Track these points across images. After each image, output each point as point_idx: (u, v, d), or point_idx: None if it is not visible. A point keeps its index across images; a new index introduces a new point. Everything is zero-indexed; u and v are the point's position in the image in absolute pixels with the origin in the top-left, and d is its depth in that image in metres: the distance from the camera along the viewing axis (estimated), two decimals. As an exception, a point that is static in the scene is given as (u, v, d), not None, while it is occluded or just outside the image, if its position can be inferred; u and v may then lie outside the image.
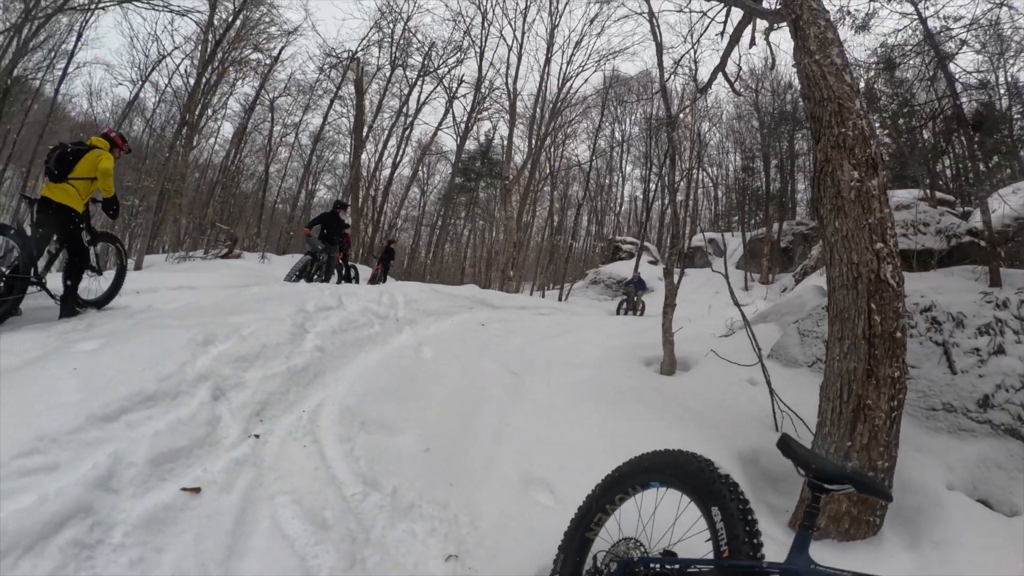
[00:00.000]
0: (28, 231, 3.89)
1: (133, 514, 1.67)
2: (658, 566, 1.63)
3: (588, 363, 6.46)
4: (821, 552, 2.66)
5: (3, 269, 3.66)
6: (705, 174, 26.57)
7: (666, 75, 8.00)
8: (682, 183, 20.61)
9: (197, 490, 1.89)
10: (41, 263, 4.00)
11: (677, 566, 1.59)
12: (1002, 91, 12.47)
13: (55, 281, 4.16)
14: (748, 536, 1.43)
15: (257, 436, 2.39)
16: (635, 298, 14.87)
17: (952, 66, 8.05)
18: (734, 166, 25.72)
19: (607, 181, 29.03)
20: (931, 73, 8.48)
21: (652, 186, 22.88)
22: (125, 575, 1.50)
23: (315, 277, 8.82)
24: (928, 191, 9.35)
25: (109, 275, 4.71)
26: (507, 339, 7.15)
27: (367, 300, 5.94)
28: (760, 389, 5.21)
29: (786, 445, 1.60)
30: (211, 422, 2.28)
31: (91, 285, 4.48)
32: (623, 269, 21.50)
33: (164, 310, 4.45)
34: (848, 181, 3.33)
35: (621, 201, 30.94)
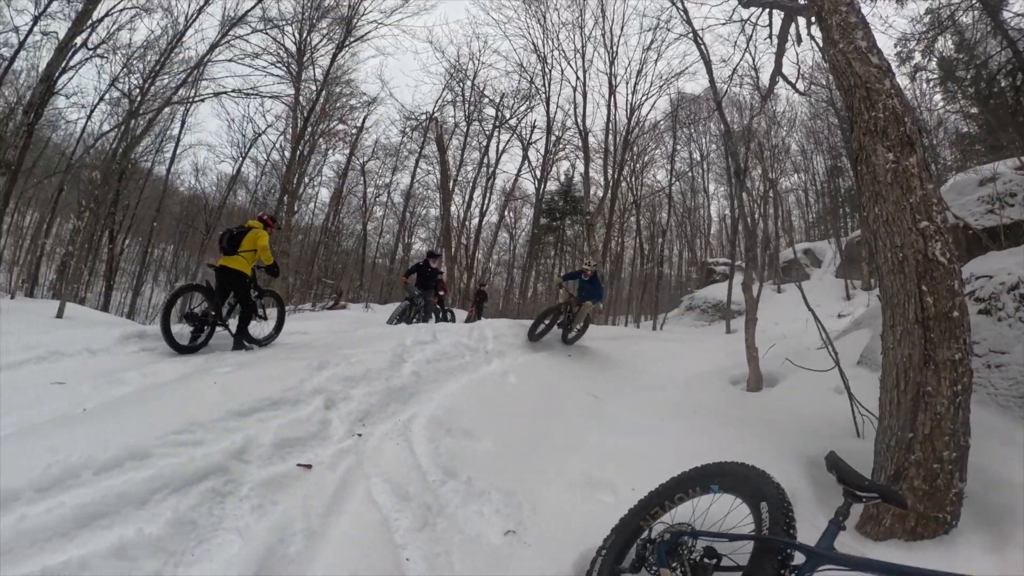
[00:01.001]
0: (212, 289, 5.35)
1: (258, 477, 2.27)
2: (708, 538, 1.88)
3: (673, 385, 6.51)
4: (886, 552, 2.62)
5: (199, 313, 5.23)
6: (795, 180, 25.26)
7: (726, 86, 8.07)
8: (769, 193, 19.79)
9: (309, 466, 2.45)
10: (224, 311, 5.41)
11: (726, 539, 1.83)
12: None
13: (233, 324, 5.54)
14: (786, 523, 1.72)
15: (359, 435, 2.93)
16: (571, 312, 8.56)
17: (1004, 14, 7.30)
18: (823, 168, 24.11)
19: (692, 203, 28.47)
20: (987, 28, 7.74)
21: (737, 202, 22.08)
22: (246, 516, 2.05)
23: (414, 319, 9.65)
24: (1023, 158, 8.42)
25: (272, 322, 6.09)
26: (593, 368, 7.36)
27: (459, 335, 6.50)
28: (843, 398, 4.93)
29: (831, 461, 1.93)
30: (323, 423, 2.85)
31: (261, 329, 5.88)
32: (718, 291, 20.76)
33: (283, 348, 5.36)
34: (883, 164, 3.21)
35: (709, 222, 30.05)
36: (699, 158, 25.97)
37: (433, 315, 10.54)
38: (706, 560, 1.80)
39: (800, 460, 3.73)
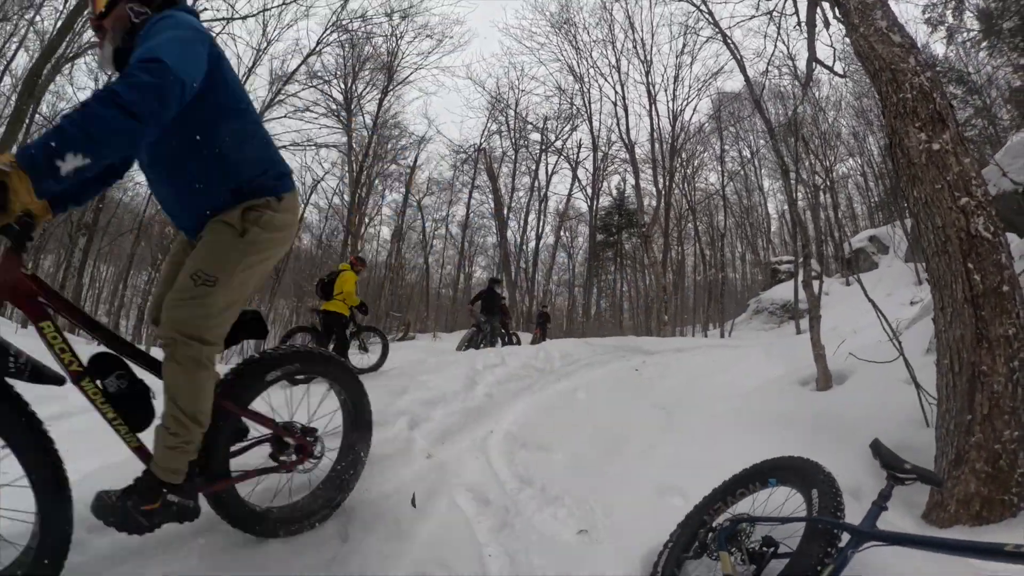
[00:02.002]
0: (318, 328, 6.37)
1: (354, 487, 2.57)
2: (762, 523, 2.05)
3: (742, 393, 6.46)
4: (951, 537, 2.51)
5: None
6: (852, 165, 23.88)
7: (764, 79, 8.03)
8: (826, 184, 18.92)
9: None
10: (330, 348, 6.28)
11: (777, 522, 2.00)
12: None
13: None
14: (834, 507, 1.88)
15: (431, 456, 3.25)
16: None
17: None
18: (877, 148, 22.58)
19: (748, 203, 27.66)
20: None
21: (787, 197, 21.14)
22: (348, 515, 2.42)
23: (482, 345, 10.07)
24: None
25: (374, 355, 6.99)
26: (660, 381, 7.40)
27: (526, 357, 6.81)
28: (914, 387, 4.89)
29: (875, 448, 2.12)
30: (408, 440, 3.23)
31: (363, 359, 6.77)
32: (784, 291, 19.96)
33: (364, 379, 5.90)
34: (916, 146, 3.14)
35: (768, 220, 29.00)
36: (749, 155, 25.30)
37: (500, 339, 10.93)
38: (764, 548, 1.95)
39: (867, 454, 3.69)
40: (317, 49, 17.18)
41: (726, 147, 23.67)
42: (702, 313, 25.32)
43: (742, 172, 25.48)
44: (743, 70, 7.79)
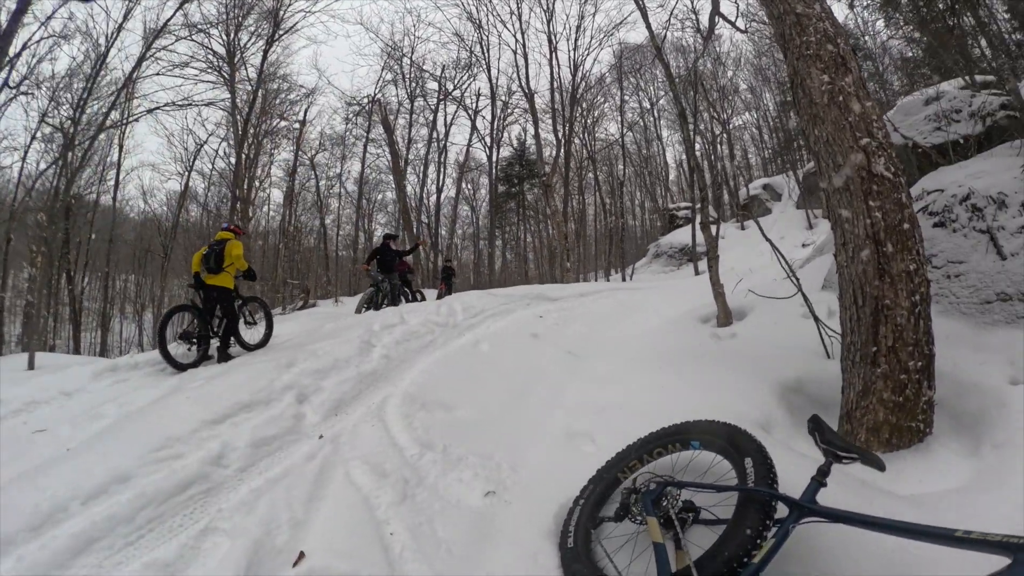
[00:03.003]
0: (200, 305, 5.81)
1: (238, 477, 2.31)
2: (694, 488, 1.94)
3: (647, 333, 6.61)
4: (863, 469, 2.55)
5: (192, 331, 5.62)
6: (748, 118, 25.58)
7: (665, 31, 8.00)
8: (723, 135, 19.98)
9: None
10: (215, 325, 5.79)
11: (712, 490, 1.90)
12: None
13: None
14: (770, 478, 1.79)
15: (323, 435, 2.95)
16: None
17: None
18: (773, 104, 24.43)
19: (647, 152, 28.60)
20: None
21: (687, 145, 22.18)
22: (233, 515, 2.13)
23: (383, 304, 9.59)
24: (969, 77, 8.70)
25: (261, 327, 6.44)
26: (566, 326, 7.39)
27: (427, 313, 6.49)
28: (812, 322, 5.01)
29: (813, 424, 1.93)
30: (296, 416, 2.89)
31: (251, 334, 6.26)
32: (683, 236, 21.12)
33: (252, 354, 5.40)
34: (818, 87, 3.23)
35: (666, 169, 30.31)
36: (648, 106, 25.95)
37: (403, 298, 10.50)
38: (684, 514, 1.88)
39: (774, 389, 3.86)
40: None
41: (626, 98, 24.07)
42: (604, 259, 26.19)
43: (641, 123, 26.17)
44: (646, 18, 7.60)
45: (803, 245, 14.55)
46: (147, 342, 22.04)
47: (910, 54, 19.70)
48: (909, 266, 2.90)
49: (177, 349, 5.42)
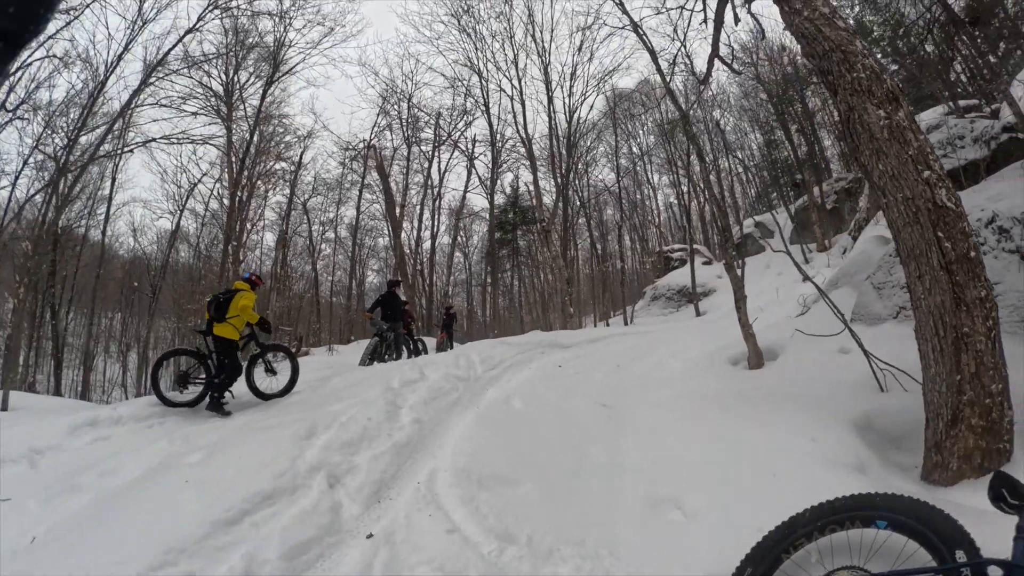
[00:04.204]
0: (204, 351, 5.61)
1: None
2: None
3: (676, 378, 6.20)
4: (964, 495, 2.62)
5: (188, 374, 5.49)
6: (734, 160, 26.01)
7: (670, 75, 7.95)
8: (711, 176, 20.17)
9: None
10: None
11: None
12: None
13: (240, 385, 5.59)
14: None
15: (373, 530, 2.34)
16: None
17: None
18: (757, 144, 24.91)
19: (638, 196, 28.83)
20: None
21: (684, 188, 22.42)
22: None
23: (387, 356, 9.00)
24: (951, 103, 8.85)
25: (283, 376, 5.98)
26: (588, 375, 6.99)
27: (446, 366, 6.01)
28: (854, 355, 4.93)
29: (1000, 479, 1.67)
30: (333, 508, 2.29)
31: (271, 384, 5.82)
32: (679, 277, 20.89)
33: (257, 411, 4.87)
34: (876, 122, 3.29)
35: (658, 212, 30.51)
36: (639, 152, 26.29)
37: (404, 348, 9.90)
38: None
39: (849, 428, 3.58)
40: (197, 27, 14.73)
41: (620, 143, 24.30)
42: (596, 305, 25.89)
43: (633, 168, 26.37)
44: (655, 58, 7.67)
45: (804, 280, 14.32)
46: (131, 384, 20.84)
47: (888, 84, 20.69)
48: (980, 292, 2.95)
49: (171, 393, 5.35)
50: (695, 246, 20.66)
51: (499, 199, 23.72)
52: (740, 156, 25.61)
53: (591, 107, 30.92)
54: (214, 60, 16.10)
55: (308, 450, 2.82)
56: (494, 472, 2.89)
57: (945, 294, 2.96)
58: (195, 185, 20.39)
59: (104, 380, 22.04)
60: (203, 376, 5.50)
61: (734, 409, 4.45)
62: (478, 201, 28.31)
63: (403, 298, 10.29)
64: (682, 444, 3.72)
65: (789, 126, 21.11)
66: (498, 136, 19.63)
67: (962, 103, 8.88)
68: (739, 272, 6.98)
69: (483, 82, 18.71)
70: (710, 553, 2.09)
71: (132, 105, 14.89)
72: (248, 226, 19.70)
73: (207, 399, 5.30)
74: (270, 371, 5.89)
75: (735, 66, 9.16)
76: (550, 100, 17.91)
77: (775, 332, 6.89)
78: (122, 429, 4.41)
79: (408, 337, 10.70)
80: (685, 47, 10.40)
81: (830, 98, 3.98)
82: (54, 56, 13.33)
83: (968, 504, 2.42)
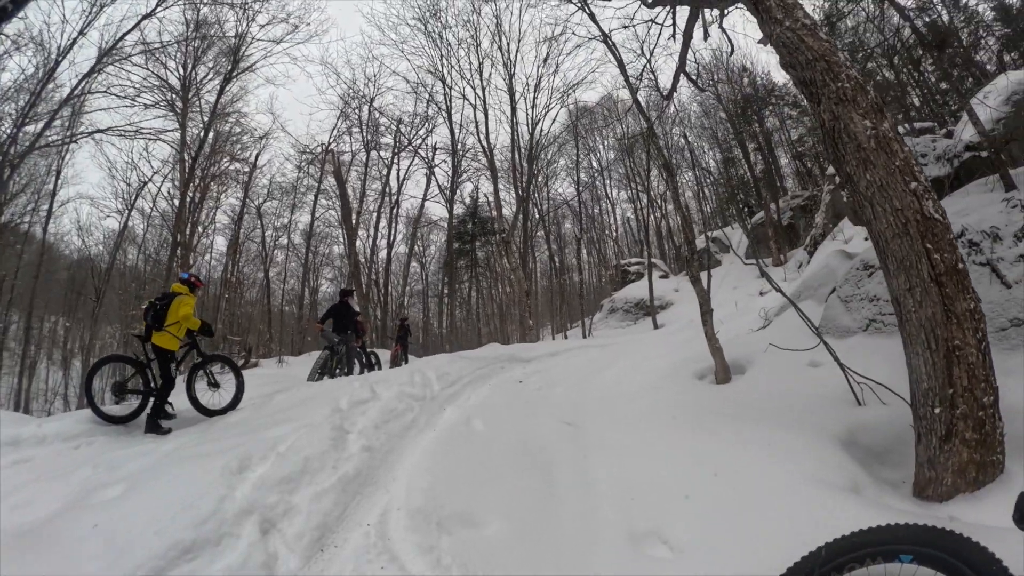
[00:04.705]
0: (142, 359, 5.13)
1: None
2: None
3: (641, 393, 6.03)
4: (960, 510, 2.60)
5: (124, 383, 5.17)
6: (693, 176, 26.66)
7: (633, 87, 7.98)
8: (668, 192, 20.53)
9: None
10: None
11: None
12: (939, 8, 12.58)
13: (179, 398, 5.19)
14: None
15: None
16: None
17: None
18: (715, 162, 25.69)
19: (596, 210, 29.10)
20: (878, 12, 8.56)
21: (644, 202, 22.72)
22: None
23: (337, 371, 8.47)
24: (909, 124, 9.28)
25: (226, 390, 5.42)
26: (550, 390, 6.78)
27: (399, 384, 5.62)
28: (825, 369, 4.90)
29: None
30: (267, 563, 1.92)
31: (214, 398, 5.32)
32: (637, 290, 21.06)
33: (187, 433, 4.39)
34: (863, 132, 3.29)
35: (616, 226, 30.85)
36: (598, 166, 26.54)
37: (356, 362, 9.36)
38: None
39: (833, 445, 3.51)
40: (156, 12, 13.71)
41: (581, 157, 24.40)
42: (554, 316, 25.82)
43: (593, 182, 26.56)
44: (623, 69, 7.69)
45: (760, 293, 14.59)
46: (72, 394, 19.20)
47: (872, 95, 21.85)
48: (969, 304, 2.93)
49: (107, 404, 5.04)
50: (652, 260, 20.92)
51: (458, 209, 23.39)
52: (697, 173, 26.25)
53: (554, 120, 31.14)
54: (171, 51, 15.21)
55: (239, 487, 2.39)
56: (456, 511, 2.56)
57: (936, 306, 2.92)
58: (145, 183, 19.07)
59: (46, 389, 20.34)
60: (141, 387, 5.08)
61: (707, 426, 4.32)
62: (436, 210, 27.92)
63: (356, 308, 9.76)
64: (655, 465, 3.52)
65: (747, 145, 21.78)
66: (459, 145, 19.35)
67: (917, 125, 9.28)
68: (704, 285, 6.94)
69: (447, 89, 18.48)
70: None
71: (83, 90, 13.84)
72: (199, 229, 18.61)
73: (144, 415, 4.90)
74: (213, 384, 5.41)
75: (699, 83, 9.28)
76: (513, 111, 17.82)
77: (740, 346, 6.85)
78: (46, 450, 3.89)
79: (361, 350, 10.17)
80: (651, 63, 10.41)
81: (811, 108, 3.84)
82: (4, 36, 12.30)
83: (964, 519, 2.39)
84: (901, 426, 3.37)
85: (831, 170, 17.13)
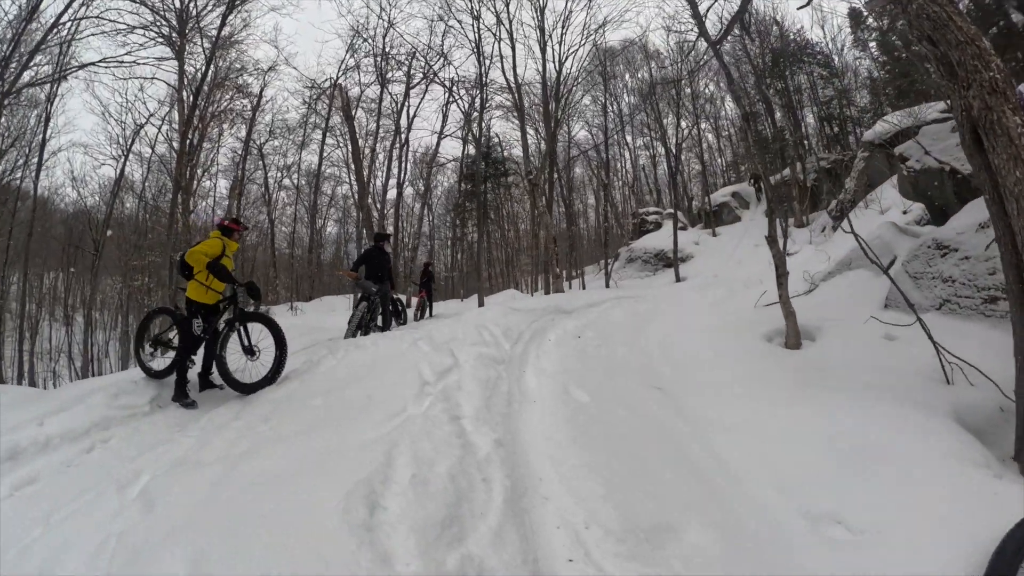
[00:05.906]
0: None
1: None
2: None
3: (717, 360, 5.69)
4: None
5: (163, 338, 5.12)
6: (718, 127, 25.59)
7: (676, 33, 7.27)
8: (685, 142, 19.64)
9: None
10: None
11: None
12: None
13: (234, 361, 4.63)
14: None
15: None
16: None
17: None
18: (736, 115, 24.66)
19: (608, 157, 28.06)
20: None
21: (667, 148, 21.64)
22: None
23: (372, 326, 7.86)
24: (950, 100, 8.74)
25: (263, 358, 4.60)
26: (611, 349, 6.41)
27: (472, 344, 5.31)
28: (903, 344, 4.92)
29: None
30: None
31: (249, 369, 4.56)
32: (656, 240, 20.51)
33: (243, 429, 3.61)
34: (1015, 127, 3.15)
35: (634, 176, 29.78)
36: (619, 112, 25.23)
37: (392, 317, 8.77)
38: None
39: (951, 421, 3.43)
40: None
41: (599, 101, 23.00)
42: (562, 264, 25.33)
43: (614, 129, 25.28)
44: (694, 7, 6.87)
45: (788, 254, 14.22)
46: (76, 352, 18.77)
47: (876, 75, 20.96)
48: None
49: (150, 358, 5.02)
50: (669, 210, 20.23)
51: (471, 149, 22.21)
52: (712, 124, 25.21)
53: (581, 58, 29.49)
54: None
55: (390, 547, 1.83)
56: (653, 521, 2.19)
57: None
58: (142, 126, 17.87)
59: (50, 347, 19.74)
60: (175, 343, 4.84)
61: (812, 399, 4.08)
62: (445, 150, 26.69)
63: (390, 253, 9.13)
64: (786, 446, 3.30)
65: (772, 103, 20.82)
66: (486, 78, 17.93)
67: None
68: (782, 245, 6.49)
69: (475, 21, 16.88)
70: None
71: (71, 17, 12.44)
72: (200, 172, 17.58)
73: (199, 381, 4.63)
74: (248, 350, 4.49)
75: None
76: (543, 48, 16.46)
77: (798, 311, 6.46)
78: (53, 460, 3.22)
79: (392, 299, 9.62)
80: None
81: (949, 90, 3.61)
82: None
83: None
84: (991, 408, 3.59)
85: (868, 136, 16.37)
